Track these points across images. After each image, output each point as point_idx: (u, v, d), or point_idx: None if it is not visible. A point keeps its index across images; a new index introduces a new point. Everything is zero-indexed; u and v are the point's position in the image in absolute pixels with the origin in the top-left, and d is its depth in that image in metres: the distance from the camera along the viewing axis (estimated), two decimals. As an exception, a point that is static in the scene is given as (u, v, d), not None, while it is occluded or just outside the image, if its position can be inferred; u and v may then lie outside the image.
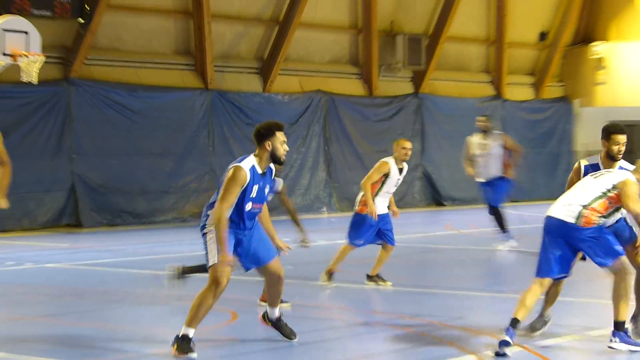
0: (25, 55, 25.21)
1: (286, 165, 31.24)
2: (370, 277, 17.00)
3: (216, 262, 11.15)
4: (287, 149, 11.75)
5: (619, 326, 11.63)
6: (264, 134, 11.52)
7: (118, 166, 28.95)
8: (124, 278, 19.17)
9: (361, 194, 16.92)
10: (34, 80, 24.99)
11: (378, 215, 16.73)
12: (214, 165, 31.18)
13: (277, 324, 12.13)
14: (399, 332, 13.09)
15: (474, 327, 13.13)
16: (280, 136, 11.57)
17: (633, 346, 11.45)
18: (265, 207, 11.88)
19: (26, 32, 25.96)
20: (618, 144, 12.90)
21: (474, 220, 29.41)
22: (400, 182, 17.32)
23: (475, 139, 23.01)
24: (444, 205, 36.63)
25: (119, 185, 29.33)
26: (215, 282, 11.19)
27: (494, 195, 22.60)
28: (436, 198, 37.58)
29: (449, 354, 11.65)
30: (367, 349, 12.17)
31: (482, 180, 22.77)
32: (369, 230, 16.92)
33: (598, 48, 43.11)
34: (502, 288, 17.52)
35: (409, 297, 16.91)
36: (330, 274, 16.95)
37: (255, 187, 11.40)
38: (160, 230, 28.76)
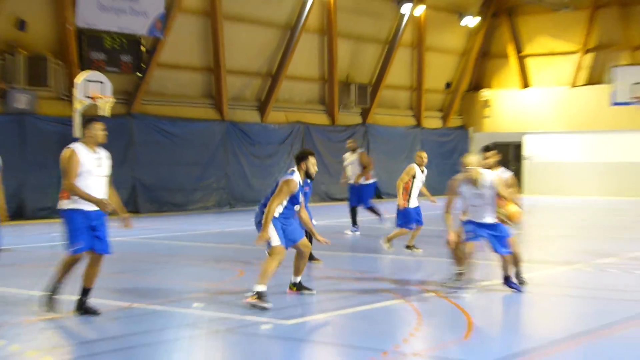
0: (101, 98, 25.41)
1: (277, 172, 31.45)
2: (408, 247, 17.34)
3: (278, 244, 11.33)
4: (317, 169, 12.04)
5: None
6: (301, 158, 11.80)
7: (163, 172, 29.02)
8: (169, 247, 19.21)
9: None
10: (107, 114, 25.17)
11: (414, 206, 17.17)
12: (228, 172, 31.36)
13: (299, 286, 12.18)
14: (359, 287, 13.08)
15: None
16: (312, 159, 11.85)
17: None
18: (304, 209, 12.10)
19: (102, 82, 26.09)
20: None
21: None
22: (424, 180, 17.50)
23: (348, 156, 22.65)
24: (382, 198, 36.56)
25: (164, 185, 29.34)
26: (278, 254, 11.27)
27: (357, 197, 21.95)
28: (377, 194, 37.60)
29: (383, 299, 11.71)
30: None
31: (351, 182, 22.16)
32: (415, 216, 17.19)
33: (485, 93, 43.36)
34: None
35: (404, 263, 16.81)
36: (389, 241, 17.32)
37: (300, 193, 11.66)
38: (191, 215, 28.75)
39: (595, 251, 17.93)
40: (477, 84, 43.98)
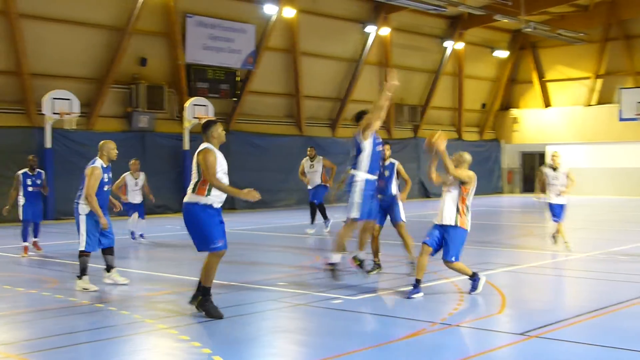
0: (205, 118, 25.62)
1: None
2: None
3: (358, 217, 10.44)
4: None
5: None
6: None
7: (254, 176, 29.12)
8: (259, 237, 19.22)
9: None
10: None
11: None
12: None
13: (361, 263, 11.07)
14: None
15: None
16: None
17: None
18: None
19: (205, 105, 26.30)
20: None
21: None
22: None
23: (305, 161, 20.06)
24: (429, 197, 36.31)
25: (255, 186, 29.40)
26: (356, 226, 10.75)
27: (317, 197, 19.64)
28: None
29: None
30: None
31: (310, 187, 19.92)
32: None
33: (513, 112, 42.87)
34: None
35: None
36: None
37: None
38: (277, 211, 28.86)
39: (608, 242, 17.56)
40: (507, 105, 43.42)
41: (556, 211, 15.74)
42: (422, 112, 37.79)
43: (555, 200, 15.86)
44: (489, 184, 40.91)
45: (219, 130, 9.08)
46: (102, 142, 11.33)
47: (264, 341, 7.89)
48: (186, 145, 26.97)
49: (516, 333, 8.13)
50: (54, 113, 23.18)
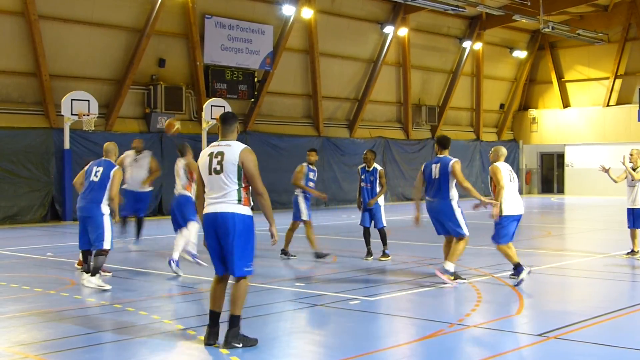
0: (223, 119, 25.57)
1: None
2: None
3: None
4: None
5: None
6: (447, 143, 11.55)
7: (272, 177, 29.07)
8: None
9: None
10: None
11: None
12: (324, 177, 31.32)
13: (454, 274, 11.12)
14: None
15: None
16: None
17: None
18: None
19: (223, 107, 26.36)
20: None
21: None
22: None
23: (131, 154, 15.89)
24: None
25: (272, 187, 29.42)
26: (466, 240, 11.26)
27: (135, 204, 15.81)
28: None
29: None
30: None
31: (128, 187, 15.60)
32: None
33: (532, 112, 42.72)
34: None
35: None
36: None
37: None
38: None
39: (623, 243, 17.44)
40: (526, 105, 43.30)
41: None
42: (440, 113, 37.72)
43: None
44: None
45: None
46: (112, 143, 11.69)
47: (283, 342, 7.90)
48: (204, 146, 27.02)
49: (534, 334, 8.10)
50: (73, 114, 23.29)
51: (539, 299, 10.37)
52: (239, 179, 7.40)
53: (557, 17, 36.64)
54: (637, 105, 37.30)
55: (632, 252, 14.43)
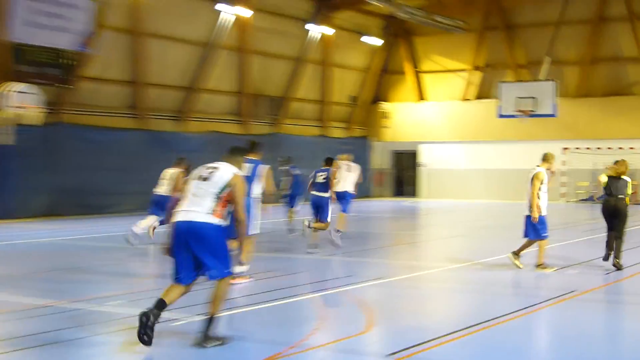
0: (28, 107, 24.64)
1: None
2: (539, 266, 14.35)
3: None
4: None
5: None
6: None
7: (88, 176, 28.12)
8: (95, 248, 18.54)
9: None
10: (35, 123, 24.29)
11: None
12: (148, 177, 30.61)
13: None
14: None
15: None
16: None
17: None
18: None
19: (30, 93, 25.26)
20: None
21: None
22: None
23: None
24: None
25: (89, 187, 28.58)
26: None
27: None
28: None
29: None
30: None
31: None
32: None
33: (384, 105, 43.65)
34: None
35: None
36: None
37: None
38: (113, 217, 28.11)
39: (485, 250, 17.99)
40: (378, 98, 44.19)
41: None
42: (283, 105, 37.83)
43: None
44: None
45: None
46: None
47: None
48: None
49: (384, 355, 8.12)
50: None
51: (390, 315, 10.45)
52: (220, 192, 8.47)
53: (413, 1, 37.53)
54: (497, 100, 38.46)
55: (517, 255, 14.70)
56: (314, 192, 17.55)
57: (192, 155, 32.46)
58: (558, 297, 11.59)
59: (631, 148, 35.92)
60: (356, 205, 26.35)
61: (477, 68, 41.28)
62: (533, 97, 36.07)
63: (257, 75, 36.47)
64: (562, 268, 14.40)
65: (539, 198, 14.06)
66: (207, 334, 8.41)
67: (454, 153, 41.46)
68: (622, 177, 14.75)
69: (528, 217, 14.28)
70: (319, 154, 38.49)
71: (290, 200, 22.01)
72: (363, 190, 42.30)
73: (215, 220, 8.42)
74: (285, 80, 38.31)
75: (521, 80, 38.53)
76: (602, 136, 38.14)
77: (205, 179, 8.54)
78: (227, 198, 8.53)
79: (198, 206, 8.43)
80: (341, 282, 12.72)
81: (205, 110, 34.53)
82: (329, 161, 18.10)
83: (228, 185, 8.51)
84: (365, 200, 40.34)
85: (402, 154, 43.55)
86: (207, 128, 34.11)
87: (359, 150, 42.21)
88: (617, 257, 14.52)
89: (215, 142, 33.50)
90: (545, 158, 14.50)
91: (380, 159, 43.91)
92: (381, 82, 44.17)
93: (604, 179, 14.88)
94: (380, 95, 44.24)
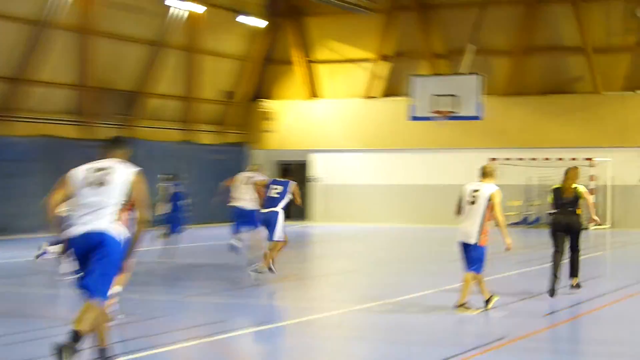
0: None
1: (22, 195, 30.28)
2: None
3: None
4: None
5: None
6: None
7: None
8: None
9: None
10: None
11: None
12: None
13: None
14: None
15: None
16: None
17: None
18: None
19: None
20: None
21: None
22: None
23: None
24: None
25: None
26: None
27: None
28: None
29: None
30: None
31: None
32: None
33: (266, 104, 43.58)
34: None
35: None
36: None
37: None
38: None
39: (394, 287, 18.14)
40: (260, 94, 44.17)
41: None
42: (137, 101, 37.51)
43: None
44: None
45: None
46: None
47: None
48: None
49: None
50: None
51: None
52: (121, 197, 9.17)
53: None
54: (409, 98, 38.51)
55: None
56: (263, 210, 18.82)
57: (17, 166, 32.22)
58: (485, 345, 11.74)
59: (573, 159, 36.41)
60: (224, 231, 26.31)
61: (384, 58, 41.56)
62: (453, 95, 36.44)
63: (104, 63, 35.99)
64: (488, 309, 14.57)
65: (488, 221, 14.23)
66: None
67: (355, 164, 41.54)
68: (573, 186, 15.36)
69: (475, 247, 14.30)
70: (183, 165, 38.36)
71: (171, 224, 22.78)
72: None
73: (118, 229, 9.16)
74: (140, 70, 37.98)
75: (439, 74, 39.04)
76: (538, 144, 39.01)
77: (100, 185, 9.16)
78: (130, 205, 9.31)
79: (99, 212, 9.10)
80: (212, 330, 12.65)
81: (35, 108, 33.94)
82: (286, 173, 20.48)
83: (131, 188, 9.26)
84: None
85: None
86: (37, 131, 33.47)
87: (234, 161, 42.03)
88: (575, 275, 15.13)
89: (47, 149, 32.93)
90: (490, 173, 14.63)
91: (262, 172, 43.68)
92: (264, 74, 44.08)
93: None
94: (262, 91, 44.20)
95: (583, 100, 39.13)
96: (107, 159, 9.37)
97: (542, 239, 33.37)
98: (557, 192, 15.72)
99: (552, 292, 15.47)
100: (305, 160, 42.66)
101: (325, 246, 31.51)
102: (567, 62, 39.75)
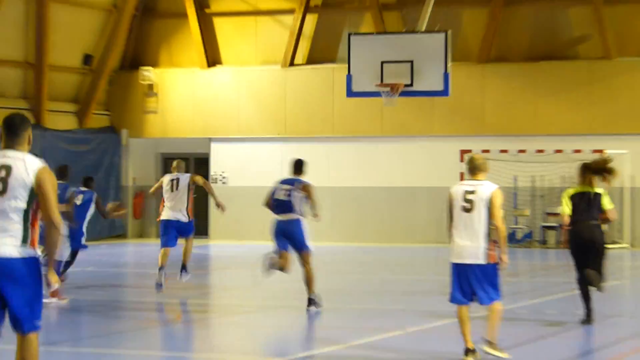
0: None
1: None
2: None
3: None
4: None
5: None
6: None
7: None
8: None
9: None
10: None
11: None
12: None
13: None
14: None
15: None
16: None
17: None
18: None
19: None
20: None
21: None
22: None
23: None
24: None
25: None
26: None
27: None
28: None
29: None
30: None
31: None
32: None
33: (148, 73, 43.17)
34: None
35: None
36: None
37: None
38: None
39: (340, 332, 17.96)
40: (136, 60, 44.07)
41: None
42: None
43: None
44: (98, 220, 40.24)
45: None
46: None
47: None
48: None
49: None
50: None
51: None
52: (28, 205, 9.48)
53: None
54: (345, 66, 38.04)
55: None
56: (278, 217, 20.23)
57: None
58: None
59: (576, 150, 36.58)
60: (90, 254, 26.05)
61: (310, 9, 41.44)
62: (408, 62, 36.28)
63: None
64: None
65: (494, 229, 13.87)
66: None
67: (271, 159, 41.15)
68: (593, 191, 15.48)
69: (485, 268, 13.93)
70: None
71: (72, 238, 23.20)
72: (111, 227, 41.69)
73: (31, 252, 9.48)
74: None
75: (387, 32, 38.86)
76: (527, 130, 39.23)
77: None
78: (35, 208, 9.60)
79: (4, 232, 9.44)
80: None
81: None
82: (299, 167, 21.30)
83: (32, 189, 9.57)
84: (112, 243, 39.73)
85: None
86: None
87: (102, 153, 41.94)
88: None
89: None
90: (482, 166, 14.19)
91: (142, 169, 43.38)
92: (142, 32, 44.00)
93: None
94: (140, 56, 44.21)
95: (589, 68, 39.23)
96: (9, 150, 9.88)
97: (534, 261, 33.75)
98: (577, 199, 15.78)
99: (587, 318, 16.69)
100: (204, 153, 42.41)
101: (227, 274, 31.16)
102: (566, 15, 39.77)
